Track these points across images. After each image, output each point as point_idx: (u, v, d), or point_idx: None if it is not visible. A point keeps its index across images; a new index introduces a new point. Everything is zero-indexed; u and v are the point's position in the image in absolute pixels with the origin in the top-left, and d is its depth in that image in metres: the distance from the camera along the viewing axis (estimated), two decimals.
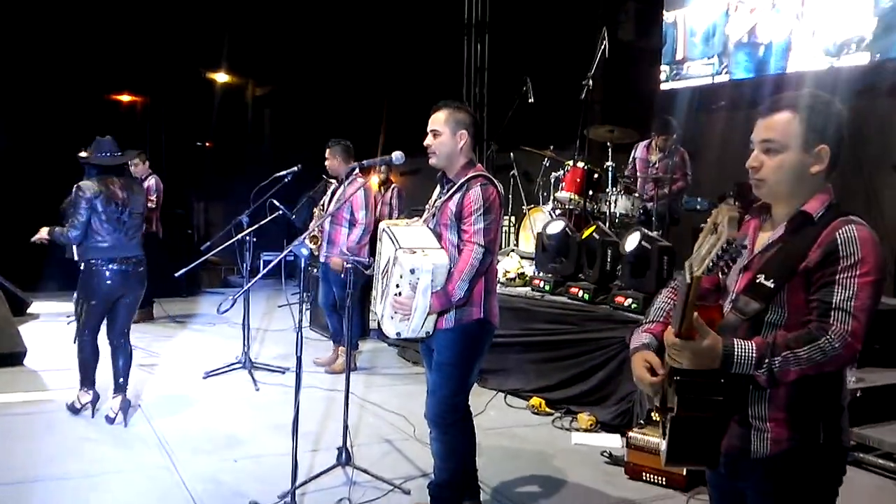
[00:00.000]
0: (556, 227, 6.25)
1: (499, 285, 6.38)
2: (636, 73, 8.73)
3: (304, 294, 7.10)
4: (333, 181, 6.58)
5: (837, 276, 1.88)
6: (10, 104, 10.30)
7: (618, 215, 6.63)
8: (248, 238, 6.13)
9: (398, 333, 3.31)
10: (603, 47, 7.33)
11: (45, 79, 10.56)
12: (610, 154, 7.10)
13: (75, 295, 4.96)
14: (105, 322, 5.00)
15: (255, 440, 4.79)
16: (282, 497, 3.71)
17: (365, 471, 4.15)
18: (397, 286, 3.23)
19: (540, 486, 4.21)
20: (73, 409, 5.03)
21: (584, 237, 5.97)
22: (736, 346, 1.89)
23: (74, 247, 4.85)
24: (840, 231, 1.90)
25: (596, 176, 6.92)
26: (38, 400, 5.49)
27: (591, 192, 6.86)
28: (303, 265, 4.87)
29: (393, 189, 10.16)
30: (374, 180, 10.38)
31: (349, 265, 4.27)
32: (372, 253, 6.59)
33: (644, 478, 4.24)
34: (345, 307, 6.31)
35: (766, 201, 2.10)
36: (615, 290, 5.54)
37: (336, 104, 12.19)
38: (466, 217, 3.32)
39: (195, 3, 11.11)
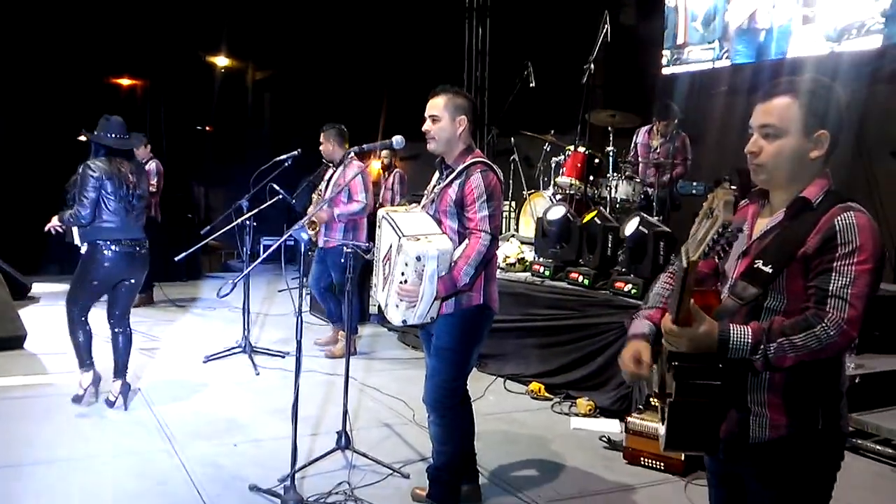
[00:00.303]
0: (558, 212, 6.24)
1: (499, 270, 6.40)
2: (638, 58, 8.70)
3: (304, 279, 7.11)
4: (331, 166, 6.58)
5: (835, 264, 1.87)
6: (11, 88, 10.27)
7: (618, 200, 6.62)
8: (248, 222, 6.13)
9: (404, 321, 3.30)
10: (605, 31, 7.29)
11: (46, 62, 10.52)
12: (611, 139, 7.08)
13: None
14: (106, 306, 4.98)
15: (255, 424, 4.80)
16: (281, 481, 3.72)
17: (364, 455, 4.16)
18: (402, 274, 3.22)
19: (538, 471, 4.23)
20: (78, 399, 4.92)
21: (584, 222, 5.97)
22: (732, 331, 1.89)
23: (75, 228, 4.80)
24: (839, 218, 1.90)
25: (597, 161, 6.90)
26: (38, 384, 5.50)
27: (591, 178, 6.85)
28: (303, 250, 4.87)
29: (395, 174, 10.17)
30: (376, 165, 10.38)
31: (349, 250, 4.26)
32: (370, 238, 6.60)
33: (642, 463, 4.26)
34: (344, 292, 6.35)
35: (764, 187, 2.09)
36: (615, 275, 5.54)
37: (336, 88, 12.15)
38: (470, 205, 3.31)
39: None
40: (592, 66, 7.23)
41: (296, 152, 6.40)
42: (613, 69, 8.62)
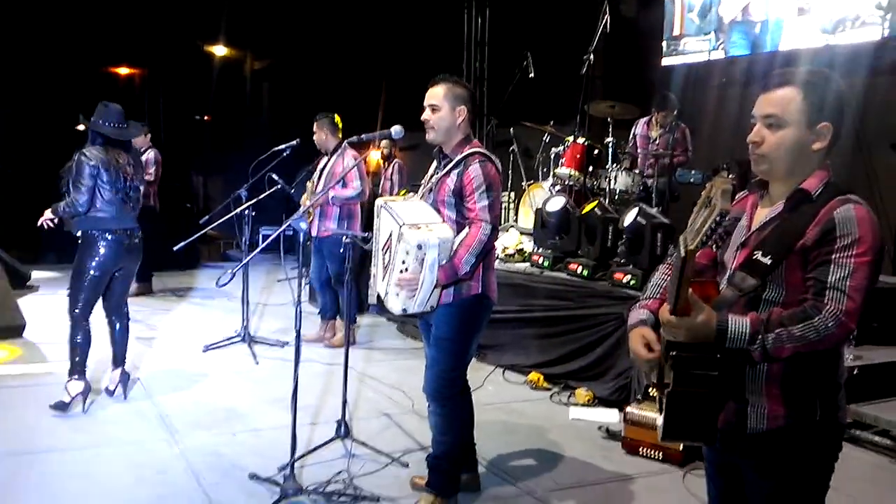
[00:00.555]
0: (557, 203, 6.24)
1: (498, 261, 6.41)
2: (638, 49, 8.68)
3: (303, 269, 7.11)
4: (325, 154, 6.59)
5: (834, 256, 1.88)
6: (10, 77, 10.25)
7: (617, 192, 6.62)
8: (246, 212, 6.13)
9: (405, 310, 3.30)
10: (604, 22, 7.28)
11: (44, 51, 10.50)
12: (610, 130, 7.07)
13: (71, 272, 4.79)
14: (101, 297, 4.93)
15: (255, 413, 4.81)
16: (281, 470, 3.73)
17: (364, 444, 4.18)
18: (403, 262, 3.22)
19: (537, 460, 4.24)
20: (62, 406, 4.61)
21: (584, 213, 5.97)
22: (730, 321, 1.89)
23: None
24: (838, 210, 1.90)
25: (596, 152, 6.90)
26: (38, 372, 5.51)
27: (591, 169, 6.84)
28: (302, 240, 4.88)
29: (395, 164, 10.16)
30: (375, 155, 10.37)
31: (347, 240, 4.26)
32: (366, 228, 6.60)
33: (641, 453, 4.27)
34: (340, 282, 6.37)
35: (764, 178, 2.09)
36: (614, 266, 5.54)
37: (335, 78, 12.12)
38: (469, 195, 3.31)
39: None
40: (592, 56, 7.22)
41: (294, 142, 6.41)
42: (613, 60, 8.59)
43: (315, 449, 4.10)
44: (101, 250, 4.67)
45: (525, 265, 6.43)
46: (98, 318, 5.02)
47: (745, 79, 7.49)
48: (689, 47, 8.16)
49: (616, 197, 6.60)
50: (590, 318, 5.39)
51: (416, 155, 10.68)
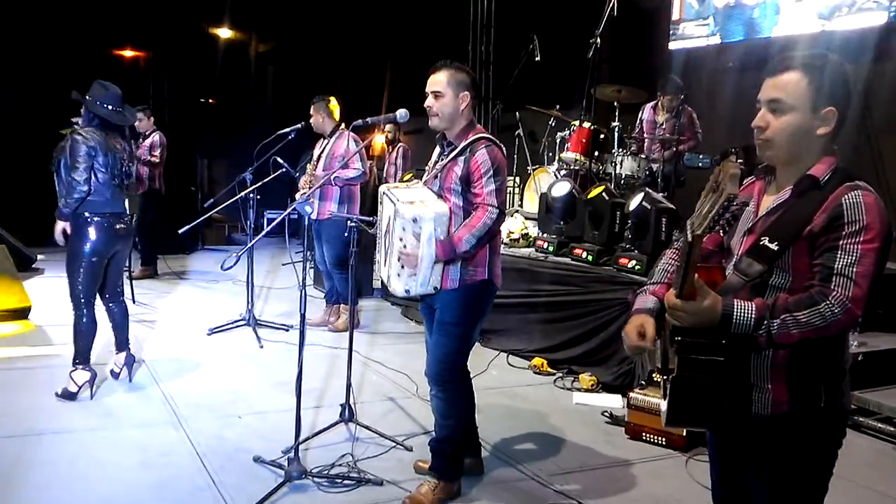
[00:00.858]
0: (563, 188, 6.23)
1: (503, 246, 6.40)
2: (644, 33, 8.61)
3: (308, 252, 7.12)
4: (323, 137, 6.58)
5: (841, 242, 1.87)
6: (14, 60, 10.23)
7: (623, 176, 6.59)
8: (251, 195, 6.12)
9: (407, 290, 3.31)
10: (611, 5, 7.22)
11: (49, 34, 10.47)
12: (617, 114, 7.03)
13: (67, 258, 4.64)
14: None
15: (259, 397, 4.83)
16: (285, 452, 3.75)
17: (367, 427, 4.19)
18: (401, 240, 3.24)
19: (540, 445, 4.26)
20: (69, 395, 4.60)
21: (589, 198, 5.95)
22: (736, 306, 1.89)
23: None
24: (846, 196, 1.89)
25: (602, 136, 6.87)
26: (43, 355, 5.53)
27: (596, 153, 6.81)
28: (306, 223, 4.87)
29: (399, 148, 10.14)
30: (380, 139, 10.35)
31: (353, 224, 4.26)
32: (366, 213, 6.60)
33: (644, 438, 4.28)
34: (338, 266, 6.37)
35: (769, 163, 2.08)
36: (619, 251, 5.53)
37: (340, 61, 12.07)
38: (476, 180, 3.30)
39: None
40: (598, 40, 7.15)
41: (299, 125, 6.40)
42: (620, 44, 8.52)
43: (319, 432, 4.11)
44: (93, 234, 4.56)
45: (530, 250, 6.42)
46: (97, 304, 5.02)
47: (741, 65, 7.47)
48: (689, 32, 8.12)
49: (622, 182, 6.57)
50: (594, 303, 5.38)
51: (420, 139, 10.65)
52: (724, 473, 2.24)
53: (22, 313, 6.49)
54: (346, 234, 4.34)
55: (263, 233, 3.81)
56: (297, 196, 6.25)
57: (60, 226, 4.55)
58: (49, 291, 7.26)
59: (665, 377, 2.06)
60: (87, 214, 4.55)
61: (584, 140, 6.76)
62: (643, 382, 4.57)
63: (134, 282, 7.54)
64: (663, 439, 4.20)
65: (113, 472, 3.67)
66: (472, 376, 3.64)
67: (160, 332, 6.33)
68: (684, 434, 4.12)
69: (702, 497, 3.27)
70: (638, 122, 7.40)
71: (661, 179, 6.61)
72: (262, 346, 5.99)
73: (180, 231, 5.27)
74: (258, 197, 6.20)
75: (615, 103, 7.09)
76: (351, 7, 11.52)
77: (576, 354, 5.45)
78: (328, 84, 8.89)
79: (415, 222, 3.21)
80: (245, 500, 3.39)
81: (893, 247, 1.95)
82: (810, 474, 2.03)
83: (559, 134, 7.38)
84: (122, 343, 4.94)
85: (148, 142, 8.52)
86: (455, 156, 3.37)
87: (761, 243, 1.95)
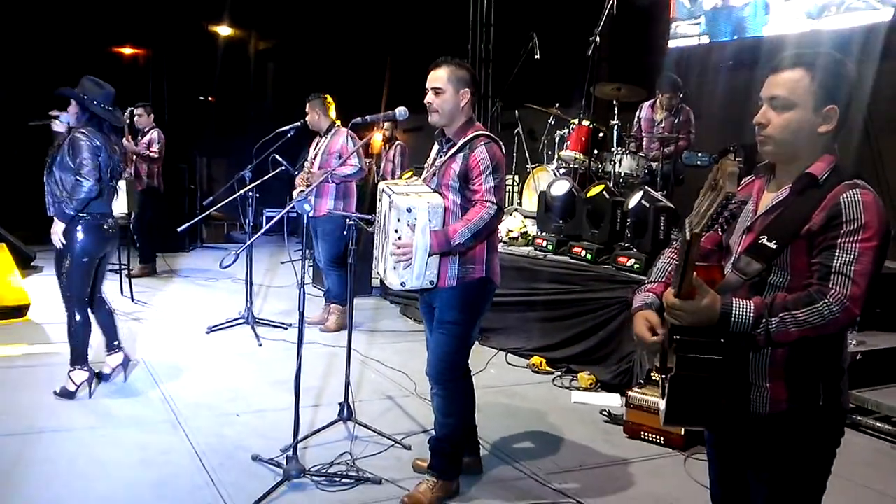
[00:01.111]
0: (562, 187, 6.22)
1: (502, 244, 6.41)
2: (644, 31, 8.60)
3: (307, 250, 7.12)
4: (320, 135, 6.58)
5: (839, 241, 1.87)
6: (14, 58, 10.22)
7: (622, 175, 6.59)
8: (250, 194, 6.12)
9: (403, 283, 3.30)
10: (611, 3, 7.21)
11: (48, 32, 10.46)
12: (616, 112, 7.03)
13: (64, 258, 4.55)
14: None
15: (258, 395, 4.83)
16: (284, 451, 3.75)
17: (366, 426, 4.19)
18: (396, 231, 3.24)
19: (539, 443, 4.25)
20: (68, 395, 4.58)
21: (589, 196, 5.94)
22: (734, 305, 1.89)
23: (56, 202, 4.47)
24: (844, 195, 1.89)
25: (601, 135, 6.86)
26: (42, 353, 5.53)
27: (595, 151, 6.81)
28: (305, 222, 4.87)
29: (397, 146, 10.13)
30: (378, 137, 10.34)
31: (351, 222, 4.26)
32: (362, 209, 6.60)
33: (642, 437, 4.28)
34: (333, 264, 6.38)
35: (770, 160, 2.08)
36: (618, 250, 5.53)
37: (340, 59, 12.06)
38: (476, 177, 3.30)
39: None
40: (598, 38, 7.15)
41: (298, 123, 6.40)
42: (619, 42, 8.52)
43: (318, 431, 4.11)
44: (87, 235, 4.50)
45: (529, 248, 6.42)
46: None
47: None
48: (682, 31, 8.19)
49: (621, 180, 6.57)
50: (593, 301, 5.39)
51: (420, 136, 10.65)
52: (722, 472, 2.25)
53: (20, 311, 6.49)
54: (343, 232, 4.34)
55: (262, 231, 3.80)
56: (295, 194, 6.25)
57: (61, 227, 4.45)
58: (48, 289, 7.23)
59: (664, 376, 2.06)
60: (80, 215, 4.49)
61: (583, 138, 6.76)
62: (642, 381, 4.57)
63: (133, 280, 7.54)
64: (662, 438, 4.21)
65: (112, 471, 3.67)
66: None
67: (159, 331, 6.32)
68: (683, 433, 4.12)
69: (700, 496, 3.27)
70: (636, 120, 7.40)
71: (660, 178, 6.61)
72: (260, 345, 5.98)
73: (179, 229, 5.26)
74: (257, 195, 6.20)
75: (614, 101, 7.09)
76: (351, 5, 11.51)
77: (574, 353, 5.45)
78: (328, 82, 8.85)
79: (409, 212, 3.22)
80: (244, 499, 3.39)
81: (892, 245, 1.95)
82: (809, 473, 2.03)
83: (558, 132, 7.39)
84: (113, 344, 4.89)
85: (147, 138, 8.53)
86: (454, 153, 3.37)
87: (760, 242, 1.95)
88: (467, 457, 3.71)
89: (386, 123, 9.94)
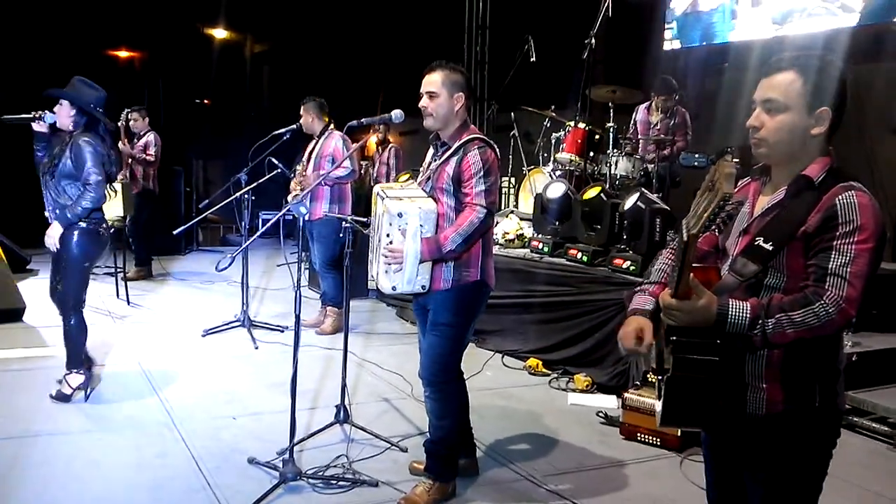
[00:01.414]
0: (558, 189, 6.23)
1: (498, 246, 6.41)
2: (639, 33, 8.62)
3: (303, 253, 7.12)
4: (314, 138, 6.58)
5: (835, 242, 1.87)
6: (9, 61, 10.19)
7: (618, 177, 6.60)
8: (246, 196, 6.11)
9: (394, 287, 3.31)
10: (606, 6, 7.23)
11: (43, 35, 10.43)
12: (611, 115, 7.04)
13: (62, 262, 4.49)
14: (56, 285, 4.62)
15: (254, 398, 4.82)
16: (280, 454, 3.75)
17: (363, 428, 4.19)
18: (388, 235, 3.25)
19: (535, 445, 4.25)
20: (64, 397, 4.56)
21: (585, 199, 5.95)
22: (731, 306, 1.89)
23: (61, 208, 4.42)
24: (840, 197, 1.89)
25: (597, 137, 6.87)
26: (38, 356, 5.52)
27: (591, 154, 6.82)
28: (301, 224, 4.85)
29: (390, 149, 10.13)
30: (372, 139, 10.34)
31: (348, 225, 4.26)
32: (356, 212, 6.61)
33: (639, 438, 4.28)
34: (328, 266, 6.37)
35: (764, 162, 2.09)
36: (614, 252, 5.54)
37: (335, 62, 12.06)
38: (467, 180, 3.31)
39: None
40: (593, 40, 7.16)
41: (294, 126, 6.41)
42: (615, 44, 8.53)
43: (314, 433, 4.11)
44: (81, 239, 4.46)
45: (525, 251, 6.43)
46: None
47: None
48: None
49: (617, 182, 6.58)
50: (589, 303, 5.39)
51: (415, 139, 10.64)
52: (718, 473, 2.25)
53: (16, 314, 6.48)
54: (339, 235, 4.34)
55: (258, 234, 3.80)
56: (289, 198, 6.25)
57: (58, 231, 4.40)
58: (44, 293, 7.22)
59: (660, 377, 2.06)
60: (92, 220, 4.48)
61: (579, 141, 6.76)
62: (638, 383, 4.58)
63: (128, 283, 7.53)
64: (658, 440, 4.21)
65: (108, 474, 3.66)
66: (466, 377, 3.65)
67: (154, 334, 6.31)
68: (679, 434, 4.13)
69: (696, 497, 3.27)
70: (632, 122, 7.41)
71: (656, 180, 6.62)
72: (257, 348, 5.98)
73: (175, 232, 5.26)
74: (253, 198, 6.19)
75: (610, 104, 7.10)
76: (346, 8, 11.51)
77: (571, 355, 5.46)
78: (323, 85, 8.86)
79: (400, 217, 3.22)
80: (240, 502, 3.39)
81: (887, 247, 1.95)
82: (805, 474, 2.04)
83: (554, 134, 7.39)
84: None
85: (142, 141, 8.53)
86: (448, 156, 3.38)
87: (756, 243, 1.96)
88: (463, 459, 3.71)
89: (379, 126, 9.95)
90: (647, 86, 7.44)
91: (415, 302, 3.61)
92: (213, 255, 10.58)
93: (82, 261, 4.51)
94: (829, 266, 1.87)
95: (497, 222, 6.33)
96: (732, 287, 1.96)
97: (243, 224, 6.33)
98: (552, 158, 7.23)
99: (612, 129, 6.87)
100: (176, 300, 7.78)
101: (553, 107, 7.86)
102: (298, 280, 3.61)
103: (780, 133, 1.98)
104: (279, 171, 6.14)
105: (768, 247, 1.94)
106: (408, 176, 7.45)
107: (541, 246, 6.21)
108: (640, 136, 7.25)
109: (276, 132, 6.33)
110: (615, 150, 6.73)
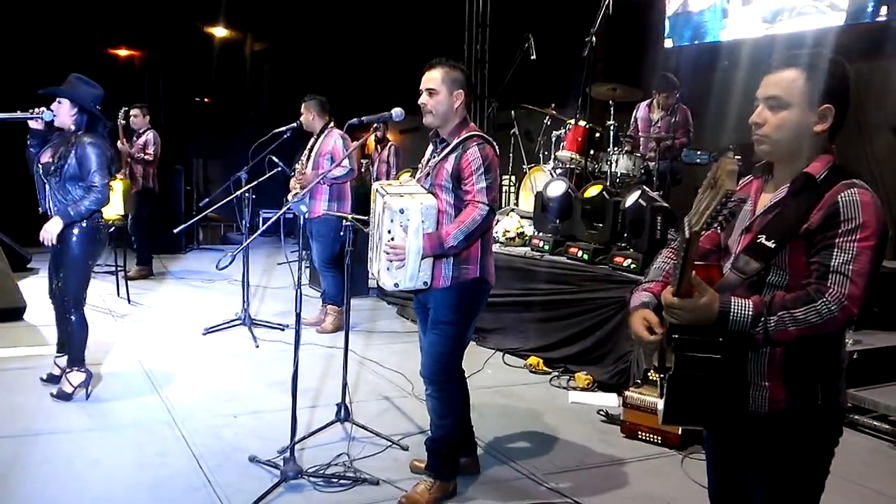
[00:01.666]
0: (559, 187, 6.23)
1: (499, 245, 6.41)
2: (640, 31, 8.61)
3: (303, 251, 7.11)
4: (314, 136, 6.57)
5: (837, 240, 1.87)
6: (9, 59, 10.19)
7: (619, 175, 6.59)
8: (247, 195, 6.11)
9: (396, 284, 3.31)
10: (606, 3, 7.22)
11: (43, 33, 10.43)
12: (612, 113, 7.04)
13: (62, 261, 4.48)
14: (55, 283, 4.65)
15: (255, 396, 4.82)
16: (281, 452, 3.74)
17: (363, 427, 4.19)
18: (389, 232, 3.25)
19: (536, 443, 4.25)
20: (65, 396, 4.55)
21: (586, 197, 5.94)
22: (733, 303, 1.89)
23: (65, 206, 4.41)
24: (842, 195, 1.89)
25: (597, 135, 6.86)
26: (38, 355, 5.51)
27: (592, 152, 6.81)
28: (301, 223, 4.86)
29: (390, 147, 10.13)
30: (372, 138, 10.33)
31: (348, 223, 4.25)
32: (356, 210, 6.60)
33: (640, 436, 4.28)
34: (328, 265, 6.37)
35: (766, 159, 2.08)
36: (614, 250, 5.53)
37: (335, 59, 12.05)
38: (467, 177, 3.31)
39: None
40: (594, 38, 7.15)
41: (295, 124, 6.40)
42: (615, 42, 8.53)
43: (315, 432, 4.11)
44: (91, 238, 4.48)
45: (525, 249, 6.42)
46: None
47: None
48: None
49: (617, 180, 6.57)
50: (590, 302, 5.38)
51: (415, 137, 10.64)
52: (720, 472, 2.25)
53: (16, 313, 6.47)
54: (340, 234, 4.34)
55: (258, 232, 3.80)
56: (290, 196, 6.24)
57: (59, 227, 4.37)
58: (44, 291, 7.23)
59: (662, 375, 2.06)
60: (94, 219, 4.49)
61: (579, 138, 6.76)
62: (638, 381, 4.57)
63: (129, 281, 7.52)
64: (659, 438, 4.21)
65: (109, 472, 3.66)
66: (467, 375, 3.65)
67: (155, 333, 6.31)
68: (680, 432, 4.12)
69: (698, 495, 3.27)
70: (632, 120, 7.40)
71: (657, 178, 6.62)
72: (257, 346, 5.98)
73: (175, 230, 5.26)
74: (253, 196, 6.19)
75: (610, 102, 7.09)
76: (346, 6, 11.50)
77: (571, 353, 5.45)
78: (323, 83, 8.86)
79: (402, 213, 3.22)
80: (241, 500, 3.39)
81: (889, 245, 1.95)
82: (807, 472, 2.03)
83: (555, 132, 7.39)
84: (66, 347, 4.75)
85: (142, 140, 8.51)
86: (448, 153, 3.37)
87: (758, 241, 1.95)
88: (464, 457, 3.71)
89: (378, 124, 9.93)
90: (647, 83, 7.43)
91: (415, 300, 3.61)
92: (214, 253, 10.58)
93: (83, 259, 4.52)
94: (832, 263, 1.87)
95: (497, 220, 6.32)
96: (734, 285, 1.96)
97: (244, 222, 6.33)
98: (553, 156, 7.22)
99: (612, 127, 6.87)
100: (176, 299, 7.78)
101: (553, 105, 7.85)
102: (299, 278, 3.61)
103: (783, 130, 1.98)
104: (279, 169, 6.13)
105: (770, 244, 1.93)
106: (409, 173, 7.45)
107: (541, 244, 6.20)
108: (640, 134, 7.25)
109: (277, 130, 6.32)
110: (616, 148, 6.72)
